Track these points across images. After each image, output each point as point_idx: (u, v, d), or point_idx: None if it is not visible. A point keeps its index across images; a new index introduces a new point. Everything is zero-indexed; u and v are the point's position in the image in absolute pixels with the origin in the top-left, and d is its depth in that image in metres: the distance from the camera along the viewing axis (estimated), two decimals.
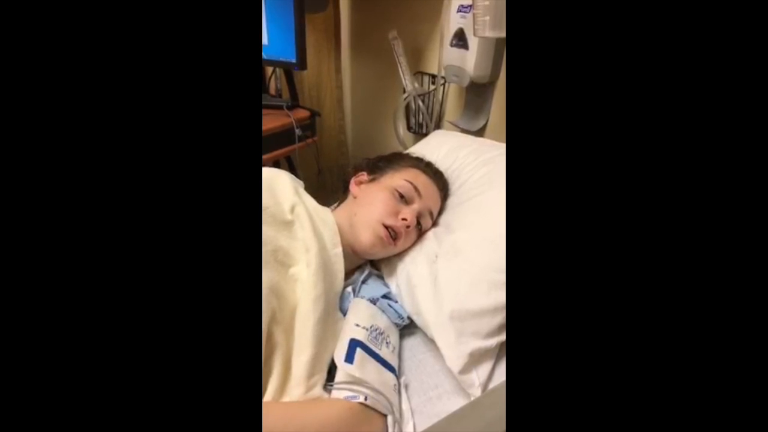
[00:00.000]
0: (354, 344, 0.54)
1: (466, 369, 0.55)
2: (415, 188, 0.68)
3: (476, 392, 0.55)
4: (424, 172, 0.73)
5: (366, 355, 0.54)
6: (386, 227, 0.64)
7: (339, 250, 0.63)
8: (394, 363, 0.58)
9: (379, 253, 0.66)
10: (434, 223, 0.73)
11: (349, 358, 0.52)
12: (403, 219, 0.64)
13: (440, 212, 0.75)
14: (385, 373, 0.55)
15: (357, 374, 0.51)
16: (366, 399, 0.50)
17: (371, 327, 0.58)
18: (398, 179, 0.69)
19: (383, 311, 0.63)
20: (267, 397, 0.49)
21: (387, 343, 0.59)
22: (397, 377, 0.57)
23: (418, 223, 0.67)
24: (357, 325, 0.57)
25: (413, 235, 0.68)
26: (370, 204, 0.67)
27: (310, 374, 0.51)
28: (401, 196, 0.67)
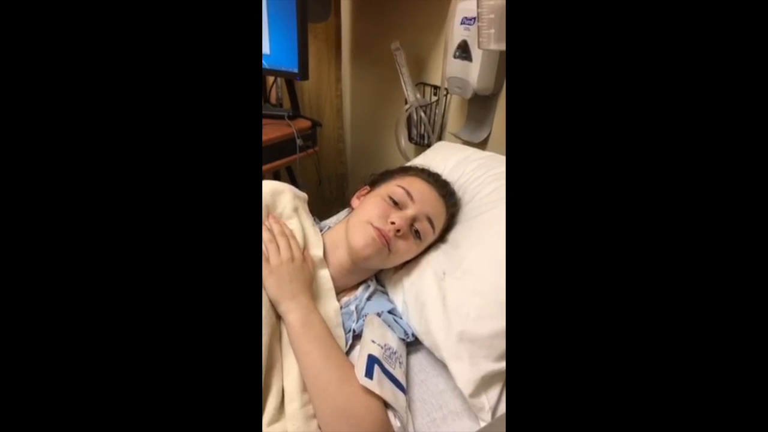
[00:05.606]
0: (372, 360, 0.53)
1: (477, 392, 0.54)
2: (408, 193, 0.66)
3: (486, 416, 0.54)
4: (423, 179, 0.71)
5: (382, 374, 0.53)
6: (377, 229, 0.62)
7: (325, 271, 0.64)
8: (405, 384, 0.57)
9: (373, 258, 0.63)
10: (441, 238, 0.71)
11: (369, 373, 0.51)
12: (392, 223, 0.62)
13: (449, 227, 0.73)
14: (399, 393, 0.54)
15: (377, 390, 0.50)
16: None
17: (385, 345, 0.57)
18: (393, 186, 0.68)
19: (389, 326, 0.62)
20: (267, 414, 0.50)
21: (400, 363, 0.58)
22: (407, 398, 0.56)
23: (416, 231, 0.65)
24: (373, 342, 0.56)
25: (411, 243, 0.65)
26: (363, 209, 0.67)
27: (302, 389, 0.52)
28: (394, 203, 0.66)
